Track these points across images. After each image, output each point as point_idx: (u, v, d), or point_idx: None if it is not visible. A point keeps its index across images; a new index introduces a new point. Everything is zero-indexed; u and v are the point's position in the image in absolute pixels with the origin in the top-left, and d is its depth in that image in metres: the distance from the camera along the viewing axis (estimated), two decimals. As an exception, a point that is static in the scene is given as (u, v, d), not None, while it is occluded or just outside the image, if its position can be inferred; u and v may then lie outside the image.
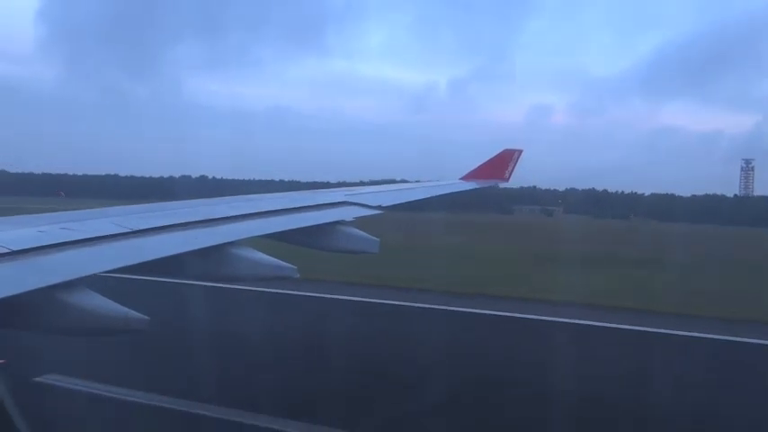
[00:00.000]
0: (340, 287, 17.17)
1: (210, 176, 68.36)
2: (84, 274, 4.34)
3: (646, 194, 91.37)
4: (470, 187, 12.55)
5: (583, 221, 66.51)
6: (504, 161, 13.30)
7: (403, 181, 15.66)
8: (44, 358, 8.78)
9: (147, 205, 7.34)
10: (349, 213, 7.92)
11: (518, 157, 13.28)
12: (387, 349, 11.80)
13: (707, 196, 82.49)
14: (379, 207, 8.83)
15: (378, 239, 7.60)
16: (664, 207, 75.59)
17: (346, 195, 8.82)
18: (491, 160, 13.20)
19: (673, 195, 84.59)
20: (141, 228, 5.51)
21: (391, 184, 12.12)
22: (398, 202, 9.82)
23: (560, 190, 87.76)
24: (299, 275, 6.15)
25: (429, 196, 11.43)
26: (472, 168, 13.07)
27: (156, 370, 9.36)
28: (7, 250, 4.29)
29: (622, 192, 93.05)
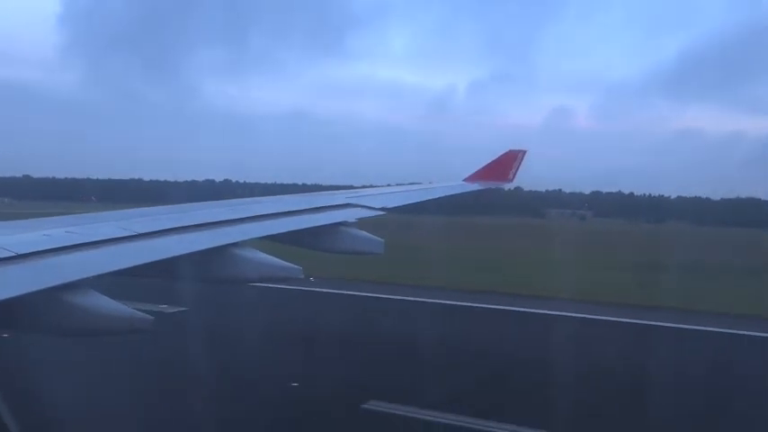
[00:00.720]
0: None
1: (234, 180, 68.41)
2: (86, 276, 4.40)
3: (672, 197, 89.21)
4: (474, 189, 12.54)
5: (624, 226, 62.82)
6: (507, 162, 13.22)
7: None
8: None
9: (152, 208, 7.41)
10: (352, 215, 7.94)
11: (522, 158, 13.23)
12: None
13: (738, 200, 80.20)
14: (382, 209, 8.87)
15: (382, 240, 7.61)
16: (693, 210, 73.80)
17: (348, 198, 8.86)
18: (495, 161, 13.12)
19: (701, 198, 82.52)
20: (145, 231, 5.57)
21: (394, 186, 12.15)
22: (402, 203, 9.84)
23: (585, 193, 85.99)
24: (303, 276, 6.15)
25: (432, 198, 11.44)
26: (476, 170, 13.06)
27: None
28: (12, 253, 4.35)
29: (649, 194, 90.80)
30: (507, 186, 14.00)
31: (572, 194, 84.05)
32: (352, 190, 11.07)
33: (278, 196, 8.76)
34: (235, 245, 5.81)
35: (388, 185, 13.66)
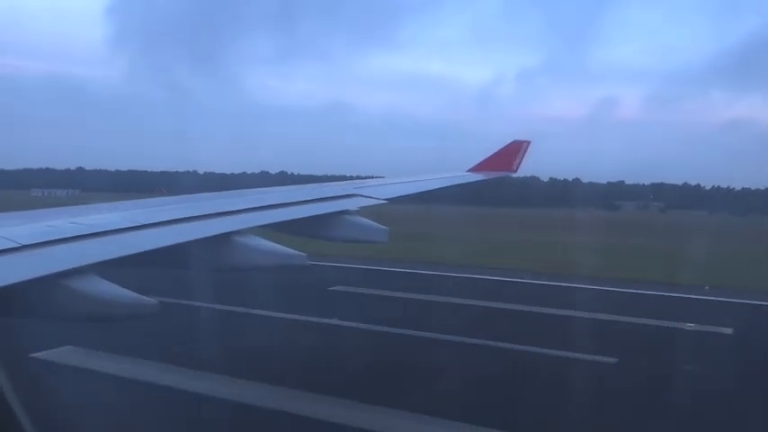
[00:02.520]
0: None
1: (290, 172, 68.73)
2: (88, 262, 4.43)
3: (736, 189, 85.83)
4: (478, 179, 12.54)
5: (723, 219, 58.79)
6: (512, 153, 13.24)
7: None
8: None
9: (157, 199, 7.44)
10: (354, 205, 7.95)
11: (526, 149, 13.23)
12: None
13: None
14: (386, 199, 8.89)
15: (386, 228, 7.62)
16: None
17: (354, 188, 8.88)
18: (499, 152, 13.14)
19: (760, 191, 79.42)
20: (149, 222, 5.60)
21: (398, 177, 12.15)
22: (406, 193, 9.86)
23: (645, 184, 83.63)
24: (308, 263, 6.16)
25: (438, 188, 11.45)
26: (480, 160, 13.06)
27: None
28: (17, 244, 4.38)
29: (718, 186, 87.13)
30: (512, 176, 13.97)
31: (635, 186, 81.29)
32: (357, 180, 11.09)
33: (281, 187, 8.77)
34: (237, 233, 5.84)
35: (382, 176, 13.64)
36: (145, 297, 4.60)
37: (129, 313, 4.59)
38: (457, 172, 12.89)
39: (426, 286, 18.15)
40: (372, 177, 15.54)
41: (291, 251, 6.15)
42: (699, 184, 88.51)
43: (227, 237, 5.72)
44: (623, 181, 79.13)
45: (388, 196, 8.99)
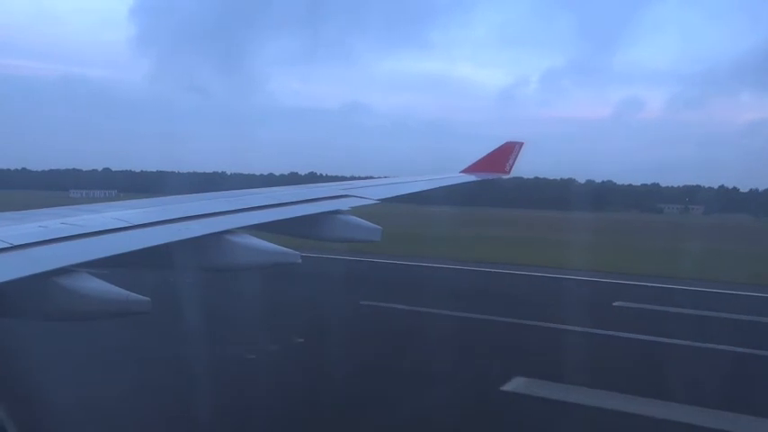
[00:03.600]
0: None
1: (319, 173, 68.77)
2: (79, 261, 4.46)
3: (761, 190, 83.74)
4: (470, 180, 12.61)
5: None
6: (505, 154, 13.32)
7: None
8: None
9: (148, 200, 7.46)
10: (345, 205, 7.99)
11: (519, 150, 13.32)
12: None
13: None
14: (379, 200, 8.93)
15: (379, 227, 7.63)
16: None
17: (345, 189, 8.92)
18: (492, 153, 13.22)
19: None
20: (140, 222, 5.63)
21: (390, 178, 12.21)
22: (398, 194, 9.91)
23: (677, 186, 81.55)
24: (301, 261, 6.16)
25: (429, 189, 11.50)
26: (474, 161, 13.13)
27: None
28: (8, 245, 4.41)
29: (756, 189, 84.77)
30: (505, 178, 14.04)
31: (668, 189, 79.62)
32: (350, 181, 11.13)
33: (274, 188, 8.81)
34: (229, 232, 5.86)
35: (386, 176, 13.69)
36: (136, 294, 4.62)
37: (121, 310, 4.62)
38: (450, 173, 12.96)
39: (693, 301, 17.76)
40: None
41: (284, 249, 6.15)
42: (735, 188, 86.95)
43: (217, 236, 5.74)
44: (658, 183, 78.01)
45: (381, 197, 9.04)
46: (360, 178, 15.43)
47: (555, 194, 63.79)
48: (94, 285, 4.43)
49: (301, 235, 7.44)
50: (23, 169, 76.72)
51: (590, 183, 70.35)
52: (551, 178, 70.17)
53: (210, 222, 6.01)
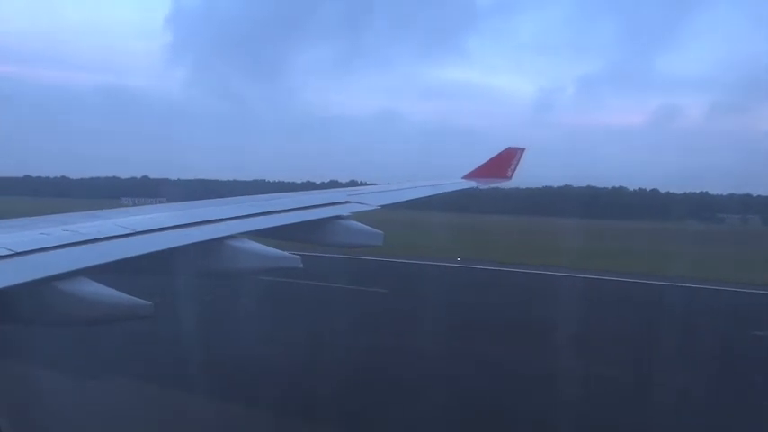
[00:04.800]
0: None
1: (360, 180, 68.42)
2: (81, 267, 4.49)
3: None
4: (472, 186, 12.61)
5: None
6: (507, 160, 13.30)
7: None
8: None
9: (150, 206, 7.51)
10: (346, 211, 8.00)
11: (521, 156, 13.31)
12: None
13: None
14: (380, 206, 8.94)
15: (381, 232, 7.63)
16: None
17: (347, 195, 8.94)
18: (494, 159, 13.21)
19: None
20: (143, 229, 5.67)
21: (392, 184, 12.22)
22: (400, 200, 9.91)
23: (721, 194, 79.76)
24: (302, 265, 6.16)
25: (432, 195, 11.52)
26: (475, 167, 13.12)
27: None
28: (11, 251, 4.45)
29: None
30: (506, 184, 14.03)
31: (716, 197, 77.65)
32: (351, 188, 11.15)
33: (275, 194, 8.83)
34: (231, 237, 5.89)
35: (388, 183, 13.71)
36: (138, 299, 4.64)
37: (124, 315, 4.64)
38: (452, 179, 12.96)
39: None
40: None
41: (285, 253, 6.16)
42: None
43: (218, 241, 5.77)
44: (707, 192, 76.44)
45: (382, 203, 9.05)
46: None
47: (607, 202, 63.25)
48: (96, 290, 4.44)
49: (302, 240, 7.46)
50: (63, 177, 76.95)
51: (641, 191, 69.24)
52: (601, 186, 69.32)
53: (211, 229, 6.05)
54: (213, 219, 6.38)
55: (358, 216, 7.94)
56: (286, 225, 6.88)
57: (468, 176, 12.84)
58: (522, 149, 13.50)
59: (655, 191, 69.58)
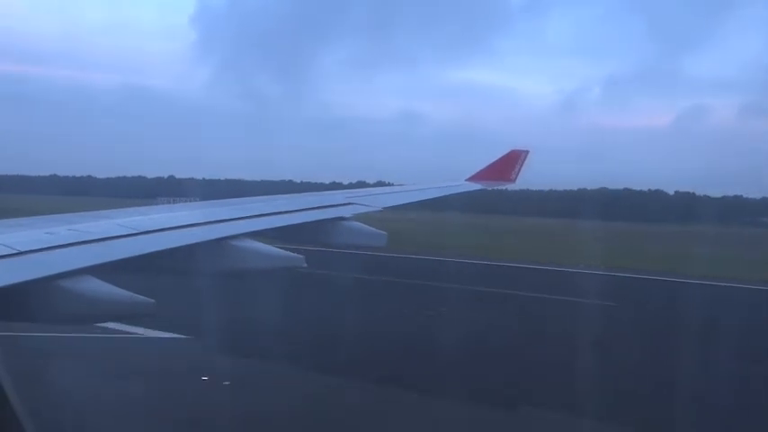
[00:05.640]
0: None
1: (387, 182, 67.94)
2: (85, 265, 4.52)
3: None
4: (476, 188, 12.64)
5: None
6: (510, 162, 13.32)
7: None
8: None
9: (155, 207, 7.57)
10: (349, 212, 8.04)
11: (525, 158, 13.32)
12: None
13: None
14: (383, 208, 8.98)
15: (384, 233, 7.66)
16: None
17: (349, 197, 8.98)
18: (497, 161, 13.23)
19: None
20: (145, 229, 5.72)
21: (395, 186, 12.28)
22: (402, 202, 9.96)
23: (755, 197, 78.41)
24: (306, 265, 6.20)
25: (436, 197, 11.55)
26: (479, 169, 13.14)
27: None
28: (14, 251, 4.49)
29: None
30: (509, 187, 14.06)
31: (748, 201, 77.07)
32: (355, 189, 11.19)
33: (277, 195, 8.88)
34: (234, 237, 5.93)
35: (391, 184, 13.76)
36: (141, 296, 4.68)
37: (127, 313, 4.68)
38: (456, 181, 12.99)
39: None
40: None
41: (289, 253, 6.20)
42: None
43: (221, 241, 5.81)
44: (741, 195, 75.21)
45: (385, 205, 9.09)
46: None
47: (642, 204, 62.51)
48: (99, 287, 4.47)
49: (306, 242, 7.50)
50: (89, 176, 77.13)
51: (679, 194, 68.23)
52: (638, 189, 68.56)
53: (214, 229, 6.10)
54: (217, 219, 6.43)
55: (362, 217, 7.99)
56: (288, 226, 6.92)
57: (473, 179, 12.86)
58: (526, 152, 13.51)
59: (691, 194, 68.46)
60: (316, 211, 7.71)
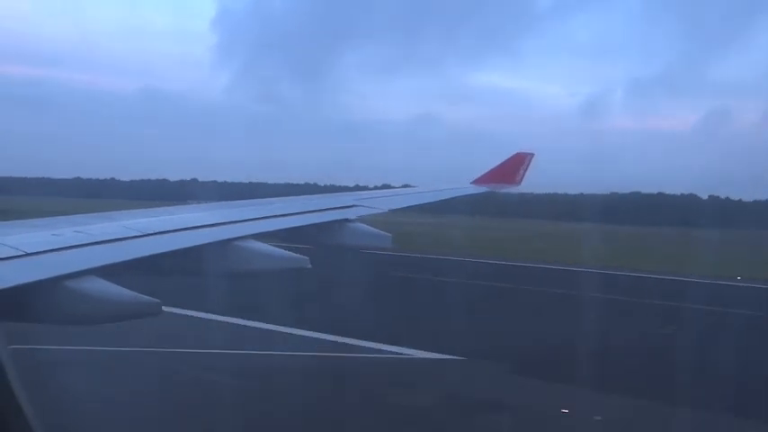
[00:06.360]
0: None
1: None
2: (91, 266, 4.54)
3: None
4: (481, 191, 12.60)
5: None
6: (516, 165, 13.24)
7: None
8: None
9: (163, 209, 7.59)
10: (354, 214, 8.06)
11: (530, 161, 13.25)
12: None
13: None
14: (389, 210, 9.01)
15: (389, 234, 7.68)
16: None
17: (356, 199, 8.98)
18: (503, 164, 13.13)
19: None
20: (150, 231, 5.73)
21: (401, 188, 12.29)
22: (408, 205, 9.98)
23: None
24: (310, 266, 6.21)
25: (441, 199, 11.55)
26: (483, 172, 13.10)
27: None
28: (21, 252, 4.51)
29: None
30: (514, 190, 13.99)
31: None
32: (361, 191, 11.20)
33: (285, 197, 8.92)
34: (239, 238, 5.95)
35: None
36: (147, 296, 4.68)
37: (132, 313, 4.69)
38: (461, 184, 12.96)
39: None
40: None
41: (293, 254, 6.22)
42: None
43: (227, 242, 5.83)
44: None
45: (390, 207, 9.10)
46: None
47: (677, 207, 61.73)
48: (105, 288, 4.48)
49: (312, 243, 7.51)
50: (112, 179, 77.63)
51: (713, 198, 67.46)
52: (671, 193, 67.80)
53: (221, 231, 6.12)
54: (223, 221, 6.45)
55: (368, 219, 8.01)
56: (294, 227, 6.95)
57: (478, 181, 12.80)
58: (531, 155, 13.43)
59: (725, 199, 67.66)
60: (320, 213, 7.73)
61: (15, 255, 4.43)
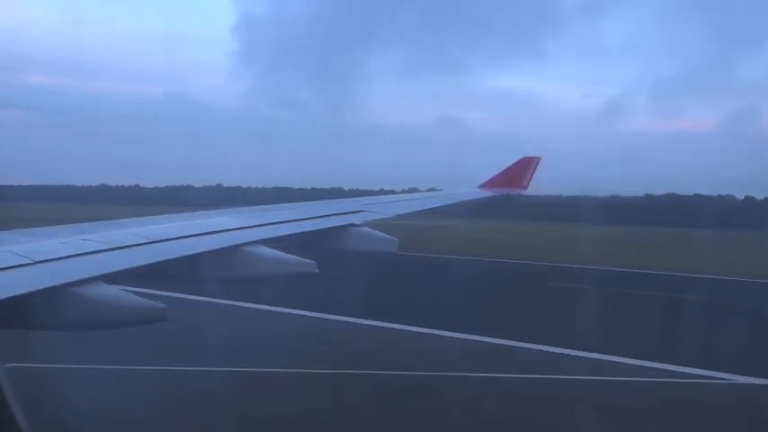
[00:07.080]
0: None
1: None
2: (99, 273, 4.56)
3: None
4: (488, 195, 12.60)
5: None
6: (522, 169, 13.25)
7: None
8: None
9: (168, 215, 7.63)
10: (360, 219, 8.07)
11: (536, 165, 13.26)
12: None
13: None
14: (395, 215, 9.02)
15: (396, 239, 7.66)
16: None
17: (364, 204, 9.00)
18: (509, 168, 13.16)
19: None
20: (159, 238, 5.77)
21: (407, 194, 12.29)
22: (415, 210, 9.97)
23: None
24: (317, 270, 6.20)
25: (447, 204, 11.55)
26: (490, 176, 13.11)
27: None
28: (30, 261, 4.53)
29: None
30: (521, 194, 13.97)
31: None
32: (369, 197, 11.22)
33: (290, 203, 8.95)
34: (246, 243, 5.97)
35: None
36: (154, 302, 4.70)
37: (140, 319, 4.70)
38: (468, 188, 12.96)
39: None
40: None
41: (300, 259, 6.22)
42: None
43: (233, 248, 5.85)
44: None
45: (397, 212, 9.10)
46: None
47: (715, 208, 61.21)
48: (112, 294, 4.50)
49: (318, 248, 7.52)
50: (136, 186, 78.35)
51: (749, 199, 66.82)
52: (707, 194, 67.25)
53: (227, 237, 6.15)
54: (230, 227, 6.48)
55: (375, 224, 8.02)
56: (300, 233, 6.98)
57: (484, 186, 12.82)
58: (538, 158, 13.44)
59: (766, 200, 67.09)
60: (327, 218, 7.76)
61: (25, 263, 4.46)
